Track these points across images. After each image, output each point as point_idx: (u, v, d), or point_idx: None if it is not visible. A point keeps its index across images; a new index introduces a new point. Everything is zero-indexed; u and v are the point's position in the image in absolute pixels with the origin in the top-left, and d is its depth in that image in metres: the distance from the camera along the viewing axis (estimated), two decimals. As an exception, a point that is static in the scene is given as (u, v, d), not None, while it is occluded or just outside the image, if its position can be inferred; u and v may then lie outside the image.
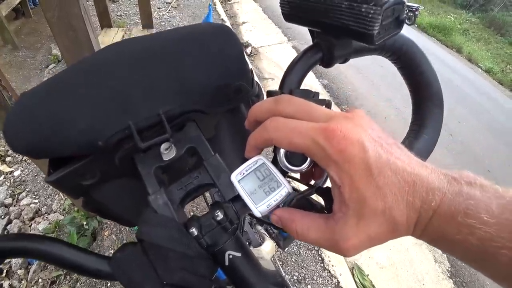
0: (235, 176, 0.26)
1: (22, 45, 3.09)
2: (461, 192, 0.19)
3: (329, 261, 1.63)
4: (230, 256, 0.27)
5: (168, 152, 0.30)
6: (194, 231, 0.26)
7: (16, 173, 1.89)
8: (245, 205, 0.25)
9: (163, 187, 0.29)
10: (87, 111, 0.29)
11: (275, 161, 0.27)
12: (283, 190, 0.25)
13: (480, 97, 4.81)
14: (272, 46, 3.66)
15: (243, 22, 4.15)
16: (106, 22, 2.87)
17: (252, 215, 0.52)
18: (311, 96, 0.28)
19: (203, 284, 0.26)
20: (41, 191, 1.82)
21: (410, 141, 0.35)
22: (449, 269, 1.95)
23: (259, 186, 0.25)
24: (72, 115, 0.28)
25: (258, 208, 0.24)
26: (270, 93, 0.27)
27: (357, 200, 0.20)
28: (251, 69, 0.35)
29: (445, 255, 2.02)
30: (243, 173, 0.26)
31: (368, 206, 0.20)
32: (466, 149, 3.28)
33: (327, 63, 0.35)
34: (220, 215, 0.26)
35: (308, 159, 0.23)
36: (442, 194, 0.19)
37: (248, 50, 3.43)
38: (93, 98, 0.29)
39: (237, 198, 0.27)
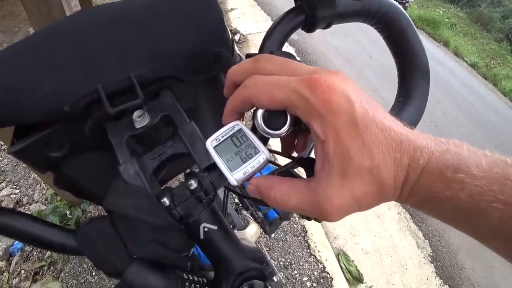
0: (210, 142, 0.24)
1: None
2: (449, 150, 0.18)
3: (315, 247, 1.65)
4: (206, 229, 0.26)
5: (140, 120, 0.28)
6: (165, 201, 0.24)
7: (-7, 162, 1.81)
8: (221, 175, 0.24)
9: (135, 157, 0.27)
10: (52, 75, 0.26)
11: (253, 128, 0.25)
12: (261, 156, 0.23)
13: (465, 90, 4.95)
14: (261, 33, 3.59)
15: (232, 9, 4.05)
16: (87, 3, 2.73)
17: (230, 189, 0.50)
18: (292, 58, 0.26)
19: (177, 259, 0.25)
20: (21, 181, 1.75)
21: (396, 112, 0.34)
22: (431, 254, 2.03)
23: (235, 153, 0.23)
24: (35, 79, 0.26)
25: (234, 175, 0.23)
26: (249, 56, 0.26)
27: (342, 156, 0.18)
28: (232, 37, 0.33)
29: (427, 241, 2.09)
30: (219, 139, 0.24)
31: (353, 163, 0.18)
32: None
33: (310, 27, 0.33)
34: (193, 184, 0.24)
35: (288, 120, 0.21)
36: (430, 152, 0.18)
37: (237, 37, 3.36)
38: (58, 62, 0.27)
39: (213, 167, 0.25)
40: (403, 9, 0.35)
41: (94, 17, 0.29)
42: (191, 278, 0.27)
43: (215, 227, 0.26)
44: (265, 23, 3.89)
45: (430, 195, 0.18)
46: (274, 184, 0.22)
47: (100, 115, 0.28)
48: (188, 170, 0.73)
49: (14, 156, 0.28)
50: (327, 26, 0.34)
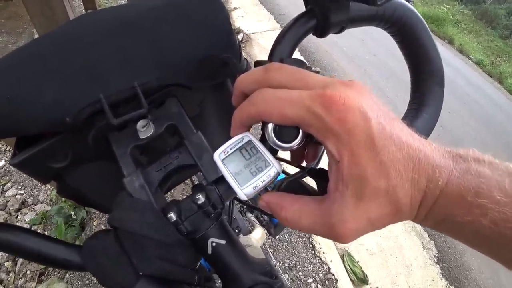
0: (218, 155, 0.23)
1: (2, 30, 2.94)
2: (469, 170, 0.17)
3: (320, 248, 1.64)
4: (214, 244, 0.25)
5: (145, 130, 0.27)
6: (172, 216, 0.23)
7: (0, 164, 1.82)
8: (230, 188, 0.23)
9: (139, 169, 0.26)
10: (53, 84, 0.26)
11: (263, 139, 0.24)
12: (272, 170, 0.22)
13: (470, 88, 4.89)
14: (264, 32, 3.57)
15: (235, 8, 4.03)
16: (91, 5, 2.74)
17: (238, 200, 0.50)
18: (304, 66, 0.25)
19: (185, 274, 0.24)
20: (27, 181, 1.76)
21: (409, 120, 0.33)
22: (436, 255, 2.00)
23: (245, 166, 0.22)
24: (36, 89, 0.25)
25: (244, 190, 0.22)
26: (258, 63, 0.25)
27: (358, 178, 0.17)
28: (238, 42, 0.32)
29: (433, 242, 2.07)
30: (227, 152, 0.23)
31: (369, 185, 0.17)
32: (455, 139, 3.35)
33: (321, 32, 0.32)
34: (201, 199, 0.23)
35: (300, 133, 0.20)
36: (449, 172, 0.17)
37: (240, 36, 3.35)
38: (60, 70, 0.26)
39: (221, 179, 0.24)
40: (418, 13, 0.33)
41: (97, 23, 0.28)
42: (198, 293, 0.26)
43: (223, 242, 0.25)
44: (268, 22, 3.87)
45: (449, 218, 0.17)
46: (285, 204, 0.21)
47: (103, 126, 0.27)
48: (195, 179, 0.72)
49: (16, 168, 0.28)
50: (340, 30, 0.33)
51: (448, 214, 0.17)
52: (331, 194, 0.19)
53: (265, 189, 0.23)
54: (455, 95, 4.31)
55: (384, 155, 0.17)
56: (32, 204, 1.69)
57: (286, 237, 1.64)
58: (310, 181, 0.28)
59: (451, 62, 5.64)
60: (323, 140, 0.18)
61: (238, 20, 3.78)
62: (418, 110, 0.33)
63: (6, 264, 1.42)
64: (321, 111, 0.18)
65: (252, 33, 3.50)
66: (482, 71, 6.25)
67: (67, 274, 1.42)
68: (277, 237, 1.60)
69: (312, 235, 1.68)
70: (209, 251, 0.25)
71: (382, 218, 0.18)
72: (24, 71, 0.25)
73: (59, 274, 1.42)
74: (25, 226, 1.43)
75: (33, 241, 0.24)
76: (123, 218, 0.23)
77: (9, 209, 1.64)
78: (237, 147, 0.23)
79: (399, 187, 0.17)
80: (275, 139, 0.21)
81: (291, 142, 0.21)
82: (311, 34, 0.33)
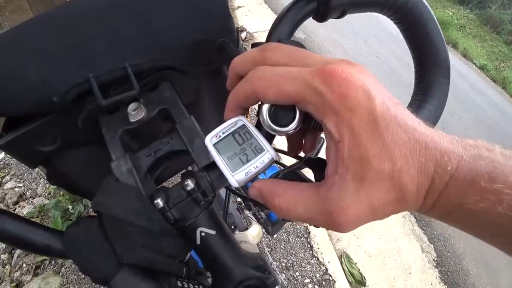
0: (209, 139, 0.22)
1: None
2: (480, 155, 0.16)
3: (318, 248, 1.63)
4: (202, 234, 0.23)
5: (135, 113, 0.26)
6: (159, 202, 0.22)
7: (-1, 156, 1.82)
8: (221, 175, 0.22)
9: (128, 153, 0.25)
10: (40, 64, 0.25)
11: (258, 125, 0.23)
12: (266, 156, 0.21)
13: (473, 93, 4.88)
14: (267, 31, 3.57)
15: (239, 6, 4.02)
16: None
17: (231, 189, 0.48)
18: (302, 48, 0.24)
19: (172, 265, 0.23)
20: (25, 174, 1.76)
21: (412, 111, 0.31)
22: (435, 258, 1.99)
23: (237, 151, 0.21)
24: (23, 67, 0.24)
25: (235, 176, 0.20)
26: (256, 46, 0.23)
27: (359, 159, 0.16)
28: (237, 28, 0.31)
29: (432, 245, 2.05)
30: (220, 136, 0.22)
31: (372, 167, 0.16)
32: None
33: (322, 15, 0.30)
34: (190, 185, 0.22)
35: (297, 116, 0.19)
36: (459, 157, 0.16)
37: (243, 35, 3.34)
38: (48, 50, 0.25)
39: (213, 166, 0.23)
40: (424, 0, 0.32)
41: (90, 4, 0.27)
42: (186, 286, 0.25)
43: (213, 232, 0.24)
44: (272, 21, 3.87)
45: (460, 206, 0.16)
46: (279, 190, 0.20)
47: (93, 108, 0.26)
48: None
49: (2, 150, 0.27)
50: (341, 15, 0.31)
51: (459, 202, 0.16)
52: (329, 178, 0.18)
53: (256, 174, 0.21)
54: (457, 98, 4.29)
55: (388, 136, 0.16)
56: (30, 197, 1.68)
57: (284, 236, 1.63)
58: (310, 176, 0.27)
59: (455, 66, 5.62)
60: (322, 119, 0.17)
61: (242, 18, 3.78)
62: (422, 101, 0.32)
63: (3, 256, 1.41)
64: (321, 86, 0.16)
65: (256, 32, 3.49)
66: (486, 76, 6.25)
67: (62, 268, 1.41)
68: (275, 236, 1.59)
69: (310, 235, 1.66)
70: (198, 241, 0.23)
71: (385, 205, 0.17)
72: (10, 49, 0.24)
73: (55, 268, 1.42)
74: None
75: (12, 223, 0.23)
76: (108, 202, 0.21)
77: (7, 201, 1.63)
78: (230, 131, 0.22)
79: (405, 172, 0.16)
80: (270, 122, 0.20)
81: (287, 125, 0.20)
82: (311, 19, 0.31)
